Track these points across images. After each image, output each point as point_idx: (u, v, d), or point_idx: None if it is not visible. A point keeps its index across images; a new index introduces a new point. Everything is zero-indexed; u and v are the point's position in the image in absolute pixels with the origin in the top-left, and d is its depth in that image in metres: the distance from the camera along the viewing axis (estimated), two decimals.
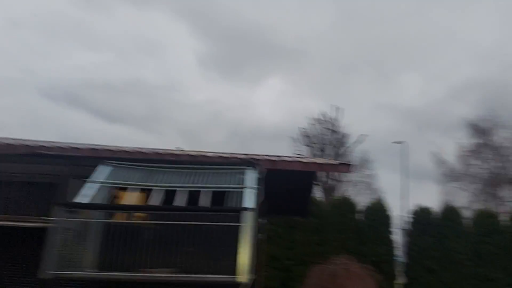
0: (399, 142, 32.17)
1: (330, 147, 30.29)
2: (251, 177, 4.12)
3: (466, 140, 34.08)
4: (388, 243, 16.73)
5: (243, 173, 4.22)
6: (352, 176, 34.30)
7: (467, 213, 19.17)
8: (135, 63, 55.40)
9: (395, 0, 51.63)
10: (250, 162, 4.29)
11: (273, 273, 16.21)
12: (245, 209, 3.48)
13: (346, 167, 6.10)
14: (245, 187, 3.94)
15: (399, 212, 23.59)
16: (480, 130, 34.09)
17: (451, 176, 34.12)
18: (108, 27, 53.24)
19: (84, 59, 53.16)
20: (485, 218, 16.95)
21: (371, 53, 52.70)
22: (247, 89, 55.74)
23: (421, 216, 17.05)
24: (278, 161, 6.05)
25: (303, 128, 31.00)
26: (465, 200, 31.98)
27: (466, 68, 51.57)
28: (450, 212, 17.06)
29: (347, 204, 17.15)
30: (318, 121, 31.21)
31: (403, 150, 32.29)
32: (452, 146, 34.61)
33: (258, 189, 4.21)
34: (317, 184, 8.27)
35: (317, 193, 31.46)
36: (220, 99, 55.43)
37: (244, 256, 3.55)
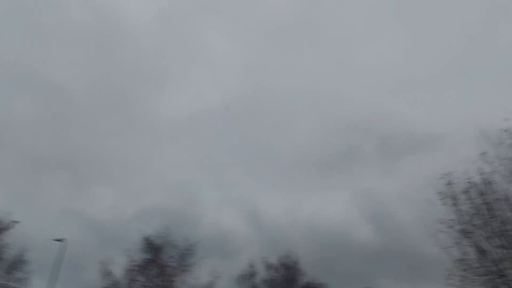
0: (60, 240, 31.43)
1: None
2: None
3: (137, 255, 34.33)
4: None
5: None
6: None
7: None
8: None
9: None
10: None
11: None
12: None
13: None
14: None
15: None
16: (151, 246, 35.13)
17: None
18: None
19: None
20: None
21: (67, 158, 51.70)
22: None
23: None
24: None
25: None
26: None
27: (155, 194, 57.15)
28: None
29: None
30: None
31: (61, 248, 31.17)
32: (124, 259, 34.29)
33: None
34: None
35: None
36: None
37: None
